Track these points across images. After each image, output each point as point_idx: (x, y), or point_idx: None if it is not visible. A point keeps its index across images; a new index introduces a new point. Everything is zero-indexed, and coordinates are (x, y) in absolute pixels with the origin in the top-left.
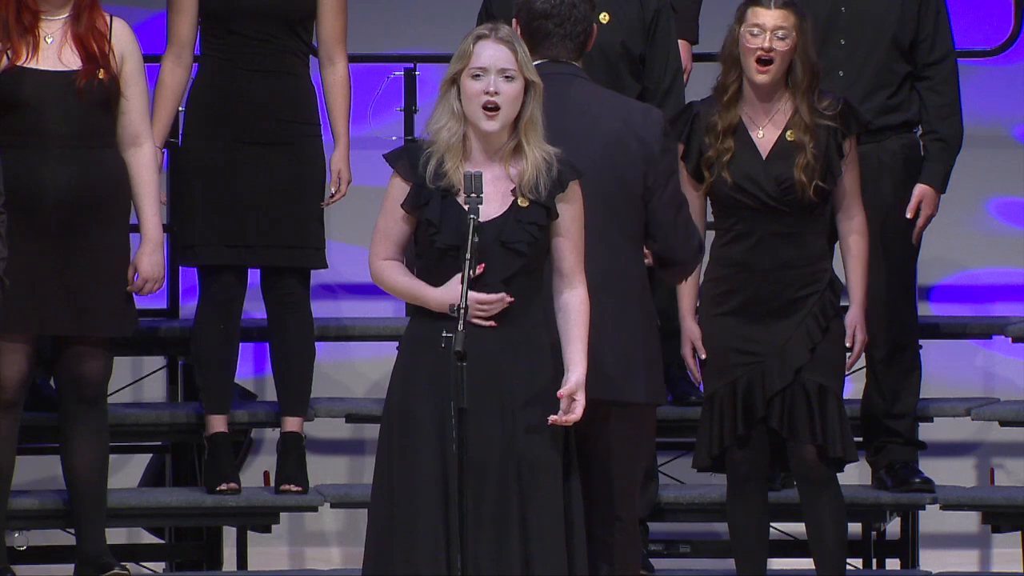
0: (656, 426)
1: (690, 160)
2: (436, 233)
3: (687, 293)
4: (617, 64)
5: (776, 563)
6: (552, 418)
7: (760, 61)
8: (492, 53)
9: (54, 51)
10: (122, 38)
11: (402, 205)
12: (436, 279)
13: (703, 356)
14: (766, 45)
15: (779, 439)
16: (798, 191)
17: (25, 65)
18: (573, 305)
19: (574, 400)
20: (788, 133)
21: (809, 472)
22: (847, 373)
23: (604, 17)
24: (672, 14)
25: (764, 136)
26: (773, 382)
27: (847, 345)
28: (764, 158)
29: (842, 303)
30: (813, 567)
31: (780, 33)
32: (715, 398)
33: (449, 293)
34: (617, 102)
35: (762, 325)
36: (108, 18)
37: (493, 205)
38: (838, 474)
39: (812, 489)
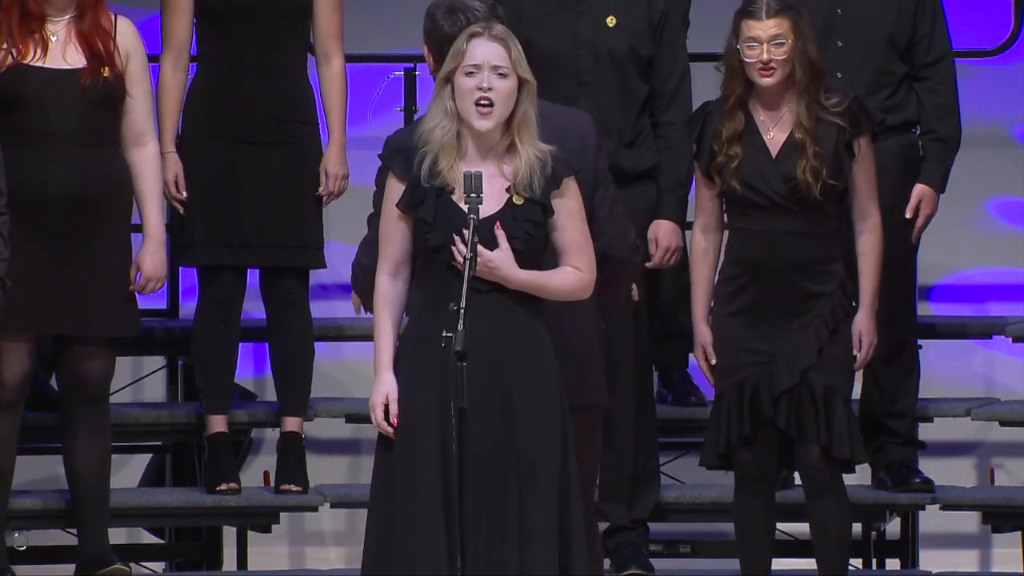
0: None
1: (702, 160)
2: (429, 232)
3: (700, 298)
4: (625, 66)
5: (777, 563)
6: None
7: (762, 70)
8: (486, 50)
9: (59, 49)
10: (127, 37)
11: (397, 204)
12: (431, 277)
13: (714, 361)
14: (764, 58)
15: (787, 439)
16: (804, 190)
17: (29, 63)
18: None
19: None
20: (795, 134)
21: (814, 473)
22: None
23: (611, 20)
24: (679, 14)
25: (774, 137)
26: (780, 383)
27: (854, 352)
28: (774, 158)
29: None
30: (815, 567)
31: (777, 41)
32: (723, 397)
33: (385, 386)
34: (547, 109)
35: (772, 325)
36: (113, 17)
37: (488, 203)
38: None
39: (817, 490)
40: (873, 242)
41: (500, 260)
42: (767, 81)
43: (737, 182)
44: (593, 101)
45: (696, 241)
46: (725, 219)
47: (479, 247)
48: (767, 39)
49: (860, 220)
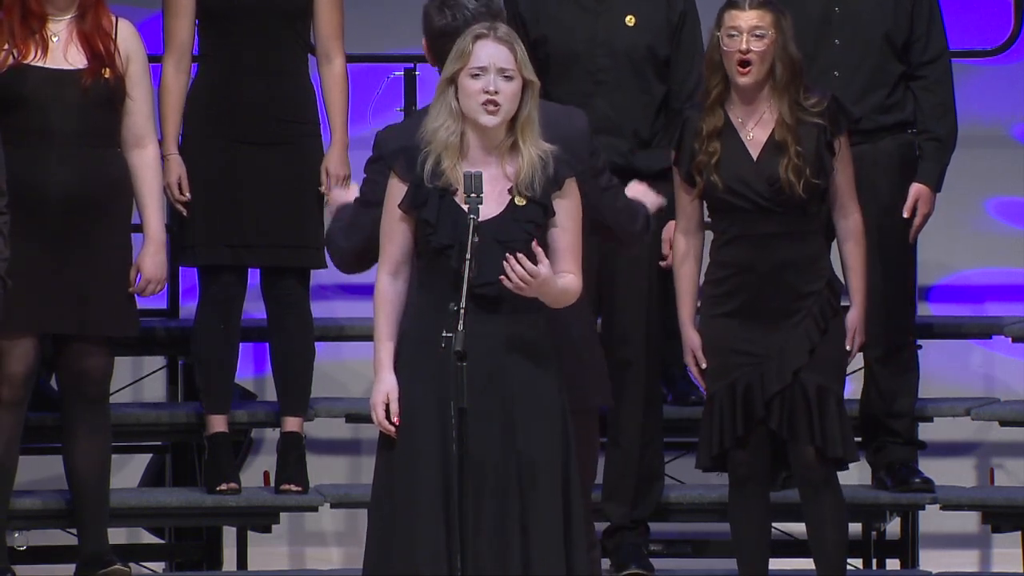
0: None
1: (682, 165)
2: (432, 233)
3: (685, 303)
4: (642, 66)
5: (776, 563)
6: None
7: (740, 63)
8: (492, 52)
9: (60, 49)
10: (128, 39)
11: (399, 205)
12: (433, 278)
13: (704, 366)
14: (744, 47)
15: (781, 439)
16: (787, 190)
17: (30, 63)
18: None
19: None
20: (776, 133)
21: (809, 473)
22: (846, 374)
23: (630, 20)
24: (697, 16)
25: (754, 137)
26: (771, 384)
27: (847, 347)
28: (755, 159)
29: (842, 303)
30: (813, 567)
31: (757, 32)
32: (715, 399)
33: (385, 385)
34: (543, 108)
35: (762, 326)
36: (114, 19)
37: (490, 204)
38: (838, 473)
39: (812, 490)
40: (857, 250)
41: (549, 276)
42: (745, 80)
43: (719, 179)
44: (610, 101)
45: (677, 245)
46: (707, 220)
47: (527, 264)
48: (748, 29)
49: (842, 219)
